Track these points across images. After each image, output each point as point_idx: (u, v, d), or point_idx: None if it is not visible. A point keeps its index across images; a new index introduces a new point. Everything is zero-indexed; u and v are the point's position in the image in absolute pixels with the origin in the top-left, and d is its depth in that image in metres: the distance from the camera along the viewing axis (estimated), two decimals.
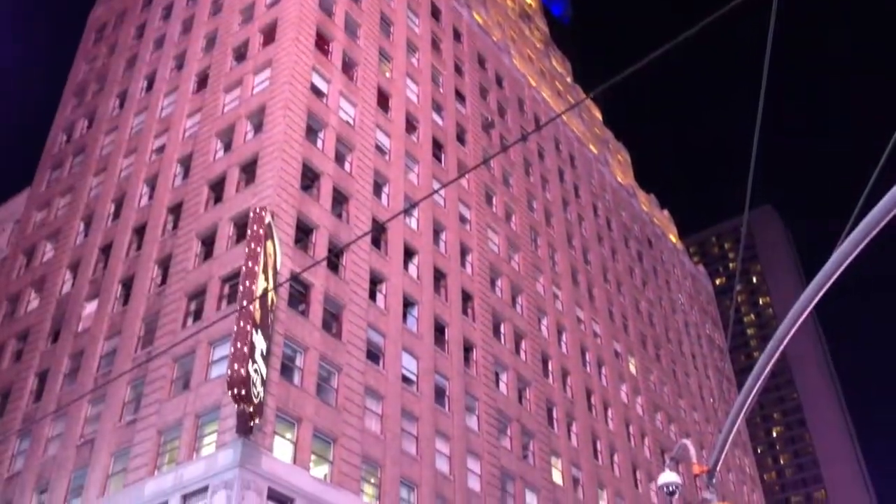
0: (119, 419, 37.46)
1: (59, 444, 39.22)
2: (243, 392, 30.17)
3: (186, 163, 45.97)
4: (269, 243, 35.17)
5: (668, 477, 13.69)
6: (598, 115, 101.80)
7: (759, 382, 10.27)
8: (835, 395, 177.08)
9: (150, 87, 53.38)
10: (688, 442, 14.29)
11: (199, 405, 34.31)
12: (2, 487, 40.22)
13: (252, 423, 31.31)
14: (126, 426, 36.83)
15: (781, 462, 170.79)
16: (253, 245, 34.06)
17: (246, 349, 30.75)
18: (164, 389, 36.32)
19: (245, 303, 32.28)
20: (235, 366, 30.48)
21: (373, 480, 37.25)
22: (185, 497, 31.88)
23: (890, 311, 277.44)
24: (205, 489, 31.23)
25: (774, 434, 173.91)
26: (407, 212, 48.44)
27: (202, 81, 49.58)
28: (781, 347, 9.61)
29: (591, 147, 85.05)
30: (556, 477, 50.61)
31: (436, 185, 51.45)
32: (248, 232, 35.06)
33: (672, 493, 13.55)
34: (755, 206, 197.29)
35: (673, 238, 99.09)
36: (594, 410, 58.96)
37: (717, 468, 12.09)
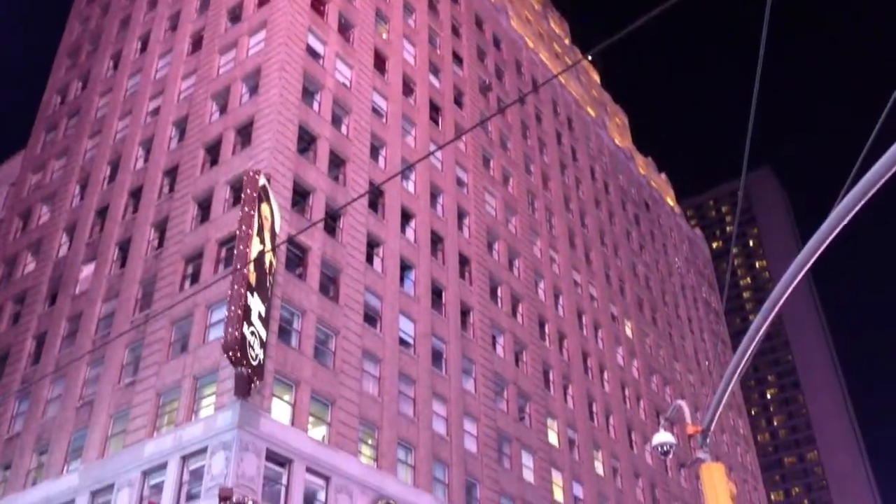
0: (118, 381, 37.67)
1: (59, 405, 39.48)
2: (239, 354, 30.30)
3: (182, 125, 45.68)
4: (264, 206, 35.06)
5: (663, 437, 13.82)
6: (596, 78, 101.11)
7: (754, 344, 10.32)
8: (829, 357, 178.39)
9: (144, 48, 52.85)
10: (682, 403, 14.41)
11: (197, 367, 34.50)
12: (2, 448, 40.57)
13: (252, 385, 31.49)
14: (125, 388, 37.05)
15: (775, 423, 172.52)
16: (247, 208, 33.95)
17: (240, 312, 30.82)
18: (163, 352, 36.48)
19: (239, 266, 32.27)
20: (230, 329, 30.59)
21: (370, 442, 37.59)
22: (185, 458, 32.18)
23: (885, 273, 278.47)
24: (204, 450, 31.52)
25: (768, 396, 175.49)
26: (403, 173, 48.28)
27: (197, 43, 49.08)
28: (777, 308, 9.64)
29: (589, 110, 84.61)
30: (552, 438, 51.11)
31: (433, 149, 51.21)
32: (243, 195, 34.96)
33: (666, 454, 13.68)
34: (753, 169, 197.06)
35: (670, 201, 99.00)
36: (590, 373, 59.36)
37: (711, 428, 12.21)
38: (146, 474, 33.19)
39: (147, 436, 34.26)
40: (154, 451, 33.26)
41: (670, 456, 13.70)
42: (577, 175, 72.72)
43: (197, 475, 31.59)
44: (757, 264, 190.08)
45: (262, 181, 35.24)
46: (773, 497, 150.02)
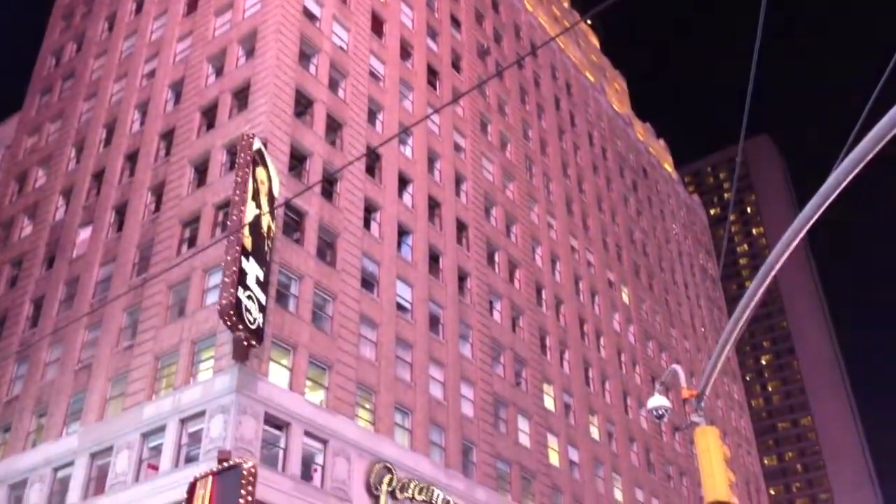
0: (116, 345, 37.78)
1: (57, 369, 39.63)
2: (234, 319, 30.36)
3: (178, 88, 45.33)
4: (259, 170, 34.89)
5: (658, 401, 13.88)
6: (596, 43, 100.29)
7: (750, 308, 10.34)
8: (825, 324, 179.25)
9: (138, 9, 52.24)
10: (678, 367, 14.47)
11: (195, 332, 34.58)
12: (1, 410, 40.80)
13: (251, 348, 31.58)
14: (123, 352, 37.17)
15: (769, 389, 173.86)
16: (241, 173, 33.80)
17: (235, 277, 30.82)
18: (160, 316, 36.54)
19: (233, 232, 32.22)
20: (224, 294, 30.63)
21: (368, 406, 37.83)
22: (183, 421, 32.39)
23: (882, 240, 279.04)
24: (202, 413, 31.71)
25: (763, 362, 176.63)
26: (401, 139, 48.04)
27: (192, 4, 48.48)
28: (773, 272, 9.64)
29: (588, 75, 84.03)
30: (548, 403, 51.45)
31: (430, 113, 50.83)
32: (236, 159, 34.81)
33: (661, 417, 13.76)
34: (751, 135, 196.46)
35: (668, 167, 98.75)
36: (587, 339, 59.61)
37: (706, 392, 12.27)
38: (145, 437, 33.44)
39: (146, 399, 34.45)
40: (153, 413, 33.47)
41: (665, 419, 13.79)
42: (576, 141, 72.42)
43: (195, 438, 31.83)
44: (754, 231, 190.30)
45: (256, 145, 35.05)
46: (766, 461, 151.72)
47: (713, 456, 11.85)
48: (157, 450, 32.91)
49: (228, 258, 31.53)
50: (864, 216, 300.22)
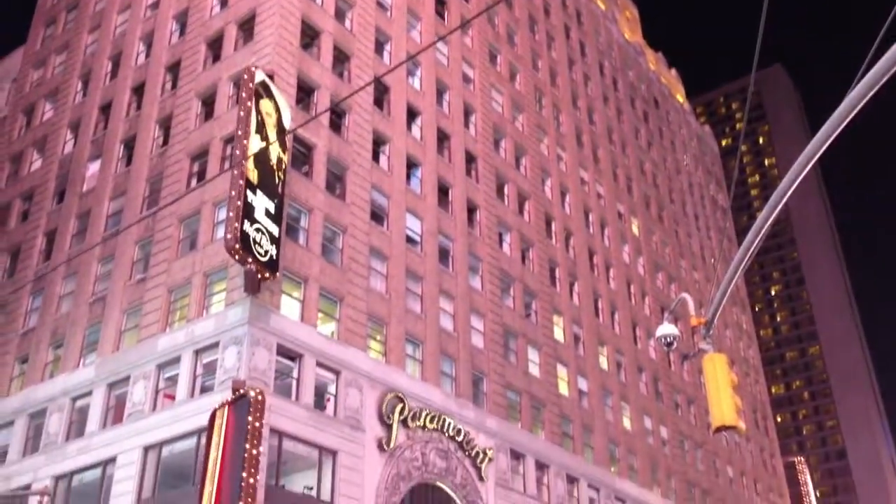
0: (129, 278, 38.14)
1: (72, 301, 40.11)
2: (242, 252, 30.51)
3: (182, 19, 44.72)
4: (265, 102, 34.58)
5: (666, 329, 13.98)
6: None
7: (762, 234, 10.33)
8: (835, 254, 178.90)
9: None
10: (687, 296, 14.53)
11: (206, 265, 34.84)
12: (18, 342, 41.47)
13: (263, 281, 31.75)
14: (136, 284, 37.54)
15: (778, 319, 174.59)
16: (244, 106, 33.54)
17: (239, 210, 30.86)
18: (172, 249, 36.78)
19: (237, 165, 32.14)
20: (229, 227, 30.73)
21: (379, 337, 38.26)
22: (198, 352, 32.88)
23: (894, 168, 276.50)
24: (216, 345, 32.18)
25: (773, 292, 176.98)
26: (409, 70, 47.43)
27: None
28: (787, 197, 9.59)
29: (599, 2, 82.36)
30: (558, 334, 51.90)
31: (439, 45, 50.15)
32: (240, 92, 34.52)
33: (670, 345, 13.88)
34: (764, 65, 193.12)
35: (680, 98, 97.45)
36: (596, 270, 59.78)
37: (715, 320, 12.34)
38: (161, 367, 34.02)
39: (160, 330, 34.92)
40: (167, 345, 33.97)
41: (674, 347, 13.90)
42: (586, 71, 71.39)
43: (210, 368, 32.36)
44: (766, 162, 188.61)
45: (259, 77, 34.66)
46: (773, 390, 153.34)
47: (721, 381, 11.98)
48: (172, 380, 33.51)
49: (233, 192, 31.53)
50: (877, 145, 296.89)
